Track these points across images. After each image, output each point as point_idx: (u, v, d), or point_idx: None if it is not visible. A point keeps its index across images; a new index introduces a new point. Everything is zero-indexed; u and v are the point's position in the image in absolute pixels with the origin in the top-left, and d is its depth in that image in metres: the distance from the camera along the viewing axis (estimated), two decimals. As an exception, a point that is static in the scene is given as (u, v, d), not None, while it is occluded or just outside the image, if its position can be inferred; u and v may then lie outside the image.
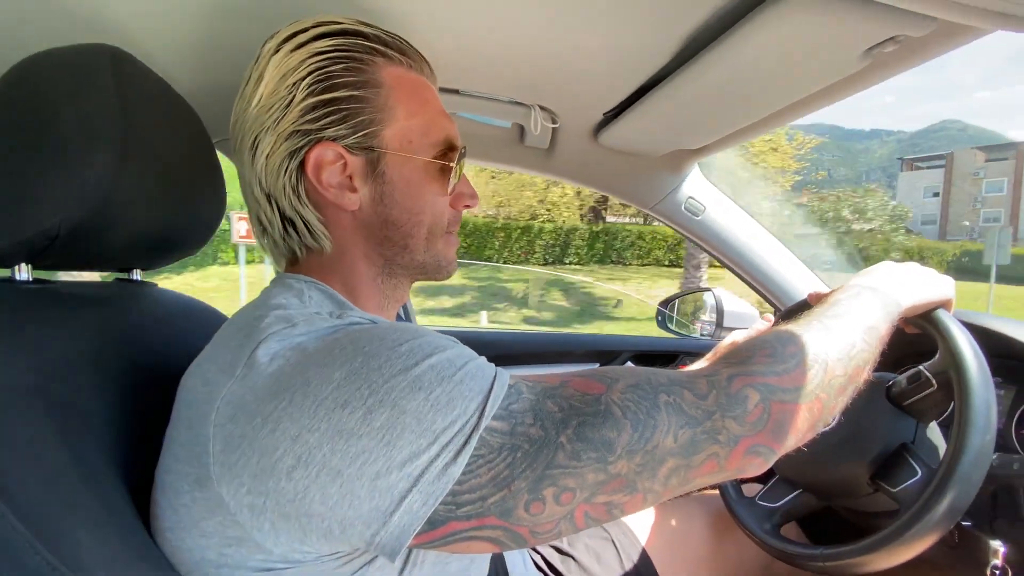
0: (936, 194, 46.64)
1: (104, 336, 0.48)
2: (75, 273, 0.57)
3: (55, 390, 0.40)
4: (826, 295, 0.65)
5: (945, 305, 0.62)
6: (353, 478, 0.34)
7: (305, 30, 0.47)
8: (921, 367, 0.65)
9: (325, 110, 0.46)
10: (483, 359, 0.41)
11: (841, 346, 0.48)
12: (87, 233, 0.45)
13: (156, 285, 0.63)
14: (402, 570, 0.43)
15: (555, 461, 0.36)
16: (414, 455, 0.34)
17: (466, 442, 0.35)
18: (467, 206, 0.55)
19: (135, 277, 0.61)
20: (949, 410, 0.59)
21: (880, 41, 0.55)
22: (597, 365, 1.31)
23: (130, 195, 0.46)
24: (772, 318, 0.88)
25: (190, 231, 0.57)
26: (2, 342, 0.40)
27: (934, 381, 0.63)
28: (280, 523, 0.36)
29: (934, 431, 0.68)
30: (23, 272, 0.46)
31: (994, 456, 0.63)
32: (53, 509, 0.36)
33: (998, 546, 0.61)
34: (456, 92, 0.84)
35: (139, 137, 0.46)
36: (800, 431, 0.43)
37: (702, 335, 1.31)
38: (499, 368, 0.40)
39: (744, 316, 1.21)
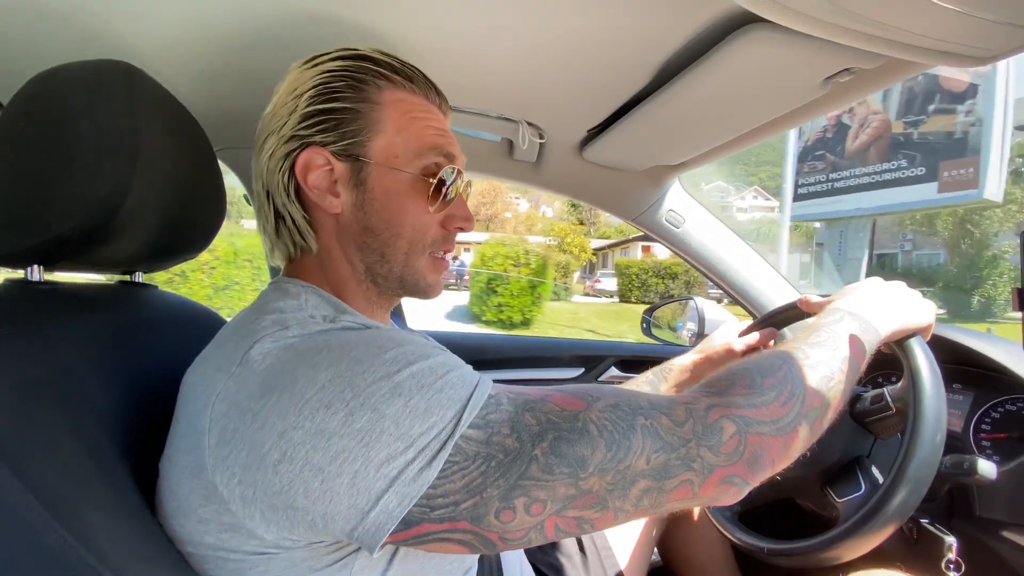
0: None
1: (109, 335, 0.51)
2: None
3: (67, 384, 0.43)
4: (815, 304, 0.69)
5: (923, 332, 0.63)
6: (333, 475, 0.36)
7: (327, 53, 0.51)
8: (885, 390, 0.68)
9: (320, 119, 0.49)
10: (468, 368, 0.42)
11: (820, 377, 0.48)
12: (97, 238, 0.48)
13: (156, 287, 0.65)
14: (392, 556, 0.45)
15: (528, 473, 0.37)
16: (391, 457, 0.36)
17: (441, 448, 0.37)
18: (460, 228, 0.55)
19: (137, 279, 0.64)
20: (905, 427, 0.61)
21: (836, 72, 0.61)
22: (583, 369, 1.35)
23: (139, 203, 0.49)
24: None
25: (193, 235, 0.60)
26: (19, 338, 0.43)
27: (893, 407, 0.67)
28: (269, 514, 0.38)
29: (890, 444, 0.71)
30: (36, 273, 0.49)
31: (947, 457, 0.66)
32: (69, 493, 0.38)
33: (952, 541, 0.65)
34: None
35: (149, 148, 0.49)
36: (776, 462, 0.45)
37: (689, 342, 1.35)
38: (484, 377, 0.42)
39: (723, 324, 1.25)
